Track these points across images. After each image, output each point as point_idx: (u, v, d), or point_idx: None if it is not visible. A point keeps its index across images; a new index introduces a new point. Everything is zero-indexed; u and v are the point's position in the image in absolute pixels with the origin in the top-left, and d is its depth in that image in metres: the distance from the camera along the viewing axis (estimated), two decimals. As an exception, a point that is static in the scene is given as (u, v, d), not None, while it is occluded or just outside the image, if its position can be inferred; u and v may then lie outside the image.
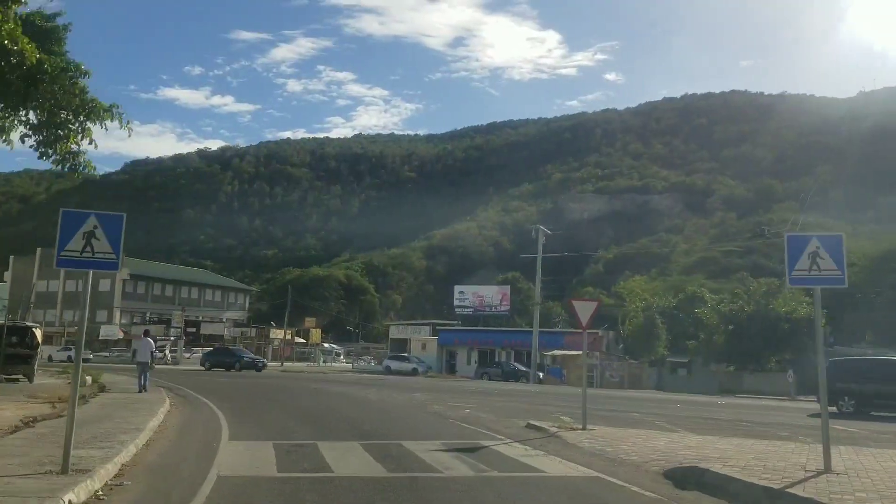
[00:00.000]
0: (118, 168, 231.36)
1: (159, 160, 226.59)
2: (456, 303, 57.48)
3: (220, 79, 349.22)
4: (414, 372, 51.06)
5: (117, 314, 75.93)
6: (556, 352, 46.09)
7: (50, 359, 59.45)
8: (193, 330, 72.92)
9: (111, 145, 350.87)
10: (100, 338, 67.04)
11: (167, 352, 56.55)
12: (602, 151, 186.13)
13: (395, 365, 52.81)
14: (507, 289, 57.43)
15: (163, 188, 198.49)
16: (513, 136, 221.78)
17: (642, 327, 49.46)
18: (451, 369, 54.59)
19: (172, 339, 60.69)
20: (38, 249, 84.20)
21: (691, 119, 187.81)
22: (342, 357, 76.88)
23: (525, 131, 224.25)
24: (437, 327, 56.89)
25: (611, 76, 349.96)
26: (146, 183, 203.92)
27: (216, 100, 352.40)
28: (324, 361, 69.84)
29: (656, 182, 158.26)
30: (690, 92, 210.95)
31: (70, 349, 59.98)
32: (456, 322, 59.54)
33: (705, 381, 42.03)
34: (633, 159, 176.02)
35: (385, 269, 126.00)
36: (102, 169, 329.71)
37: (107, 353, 61.05)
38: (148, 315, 76.40)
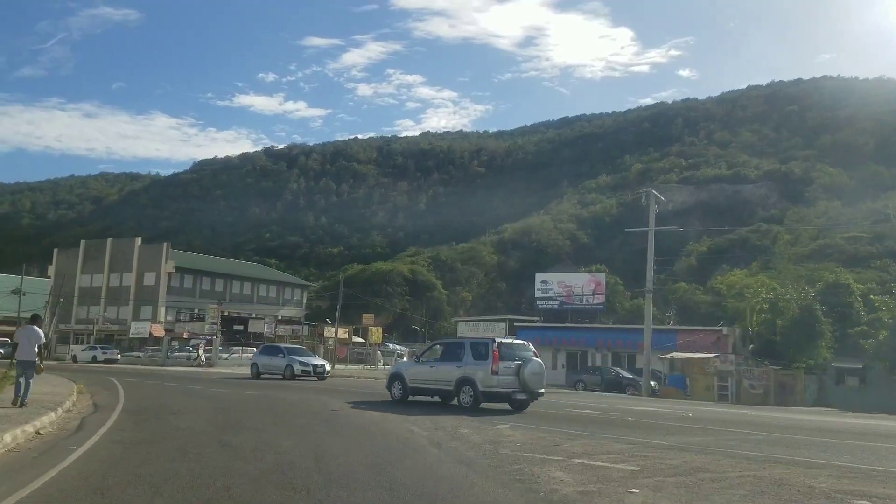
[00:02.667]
0: (186, 168, 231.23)
1: (226, 159, 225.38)
2: (538, 294, 47.78)
3: (292, 84, 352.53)
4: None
5: (162, 310, 69.15)
6: (677, 354, 35.91)
7: (74, 359, 52.90)
8: (241, 328, 65.60)
9: (189, 152, 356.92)
10: (131, 335, 60.18)
11: (200, 352, 48.87)
12: (685, 141, 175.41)
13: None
14: (602, 276, 47.31)
15: (229, 186, 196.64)
16: (587, 128, 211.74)
17: (793, 323, 38.47)
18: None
19: (207, 338, 53.05)
20: (82, 242, 78.73)
21: (780, 106, 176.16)
22: (405, 358, 68.01)
23: (600, 123, 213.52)
24: (515, 324, 47.34)
25: (685, 72, 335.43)
26: (213, 182, 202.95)
27: (289, 105, 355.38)
28: (384, 364, 61.05)
29: (748, 171, 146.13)
30: (777, 79, 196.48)
31: (96, 349, 53.13)
32: (537, 318, 49.94)
33: (888, 395, 31.25)
34: (719, 148, 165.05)
35: (453, 264, 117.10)
36: (171, 169, 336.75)
37: (138, 354, 53.96)
38: (197, 311, 69.29)
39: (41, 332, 14.27)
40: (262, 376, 32.00)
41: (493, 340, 17.69)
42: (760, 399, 31.24)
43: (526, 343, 19.21)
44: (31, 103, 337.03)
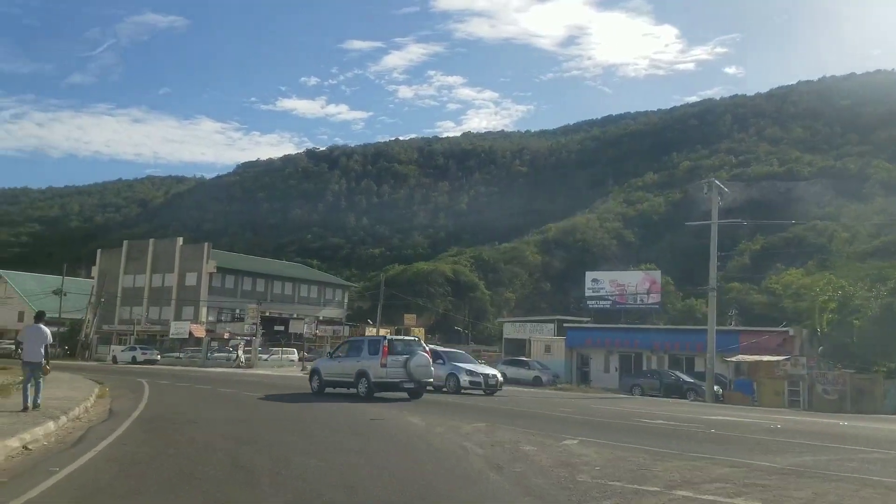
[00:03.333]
0: (230, 171, 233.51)
1: (269, 161, 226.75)
2: (588, 293, 45.42)
3: (334, 88, 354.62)
4: (536, 381, 39.68)
5: (203, 310, 68.50)
6: (743, 357, 33.33)
7: (114, 359, 52.28)
8: (282, 328, 64.58)
9: (233, 156, 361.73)
10: (171, 336, 59.44)
11: (240, 352, 47.69)
12: (734, 138, 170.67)
13: (511, 372, 41.31)
14: (657, 275, 44.67)
15: (272, 188, 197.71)
16: (632, 125, 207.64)
17: (871, 323, 35.47)
18: (584, 378, 42.74)
19: (246, 338, 51.93)
20: (125, 242, 78.70)
21: (833, 101, 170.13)
22: (448, 361, 66.28)
23: (645, 121, 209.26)
24: (564, 325, 45.09)
25: (731, 70, 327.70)
26: (256, 184, 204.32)
27: (331, 108, 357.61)
28: (426, 366, 59.46)
29: (800, 168, 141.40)
30: (829, 74, 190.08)
31: (135, 349, 52.40)
32: (587, 318, 47.62)
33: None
34: (770, 145, 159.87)
35: (496, 264, 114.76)
36: (215, 171, 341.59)
37: (178, 354, 53.09)
38: (238, 311, 68.45)
39: (47, 331, 13.17)
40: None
41: (385, 338, 20.97)
42: (836, 406, 28.57)
43: (417, 339, 23.41)
44: (80, 109, 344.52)
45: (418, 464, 8.74)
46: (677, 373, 36.18)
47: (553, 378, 40.23)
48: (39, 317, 14.21)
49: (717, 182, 34.36)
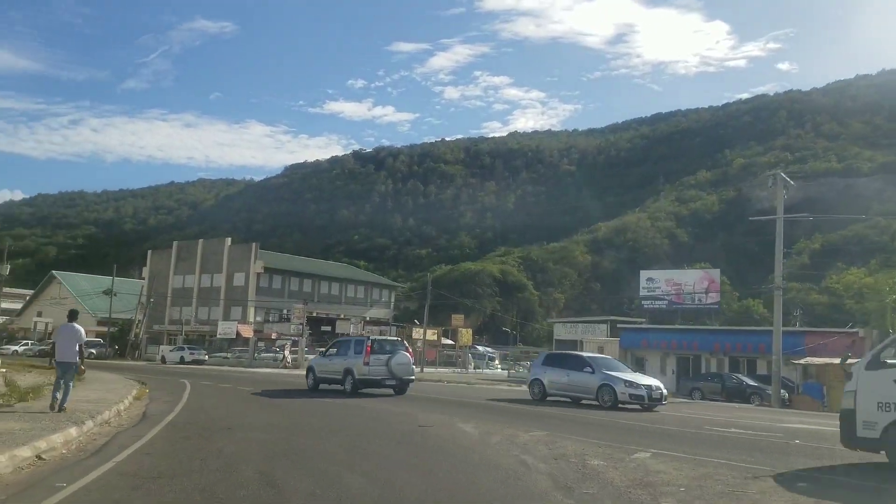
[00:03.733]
0: (278, 173, 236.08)
1: (316, 163, 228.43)
2: (643, 293, 43.60)
3: (381, 90, 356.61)
4: (589, 383, 38.03)
5: (251, 310, 68.55)
6: (812, 360, 31.27)
7: (163, 359, 52.42)
8: (328, 329, 64.11)
9: (282, 158, 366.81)
10: (218, 336, 59.43)
11: (286, 353, 47.20)
12: (790, 134, 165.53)
13: (563, 374, 40.02)
14: (716, 273, 42.60)
15: (319, 190, 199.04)
16: (683, 123, 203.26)
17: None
18: (639, 380, 41.00)
19: (293, 338, 51.47)
20: (174, 243, 79.40)
21: (893, 95, 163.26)
22: (496, 362, 64.90)
23: (696, 118, 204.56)
24: (618, 325, 43.38)
25: (784, 66, 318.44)
26: (304, 185, 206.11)
27: (377, 110, 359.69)
28: (475, 367, 58.09)
29: (860, 163, 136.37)
30: (888, 67, 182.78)
31: (184, 349, 52.44)
32: (641, 319, 45.82)
33: None
34: (828, 140, 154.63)
35: (544, 264, 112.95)
36: (264, 174, 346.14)
37: (226, 355, 52.97)
38: (285, 312, 68.23)
39: (81, 330, 12.68)
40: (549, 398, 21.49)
41: (368, 338, 22.46)
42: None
43: (400, 340, 25.20)
44: (134, 115, 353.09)
45: (474, 483, 7.59)
46: (739, 376, 34.33)
47: (607, 381, 38.55)
48: (73, 315, 13.56)
49: (782, 175, 32.32)
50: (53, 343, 13.22)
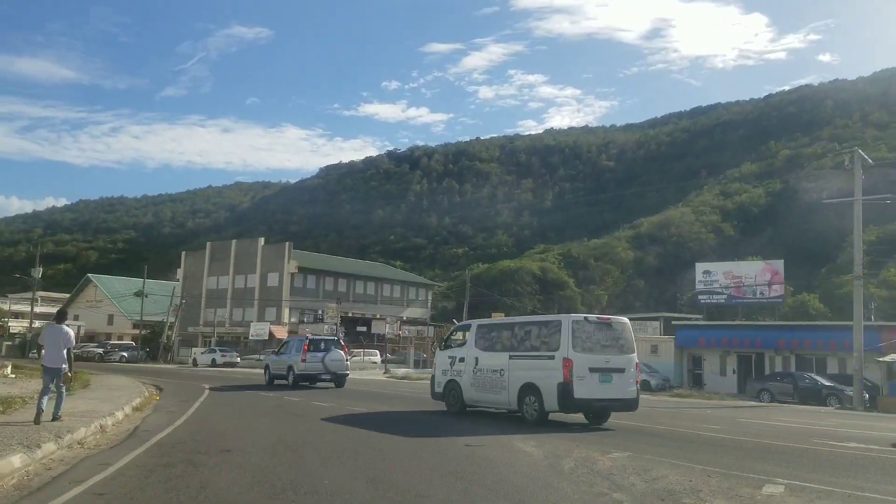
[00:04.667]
0: (313, 174, 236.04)
1: (351, 164, 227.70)
2: (699, 286, 40.41)
3: (415, 91, 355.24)
4: (645, 386, 34.78)
5: (286, 311, 66.84)
6: (900, 357, 27.97)
7: (195, 362, 50.76)
8: (364, 329, 62.03)
9: (318, 161, 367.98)
10: (251, 337, 57.67)
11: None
12: (836, 124, 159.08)
13: (615, 375, 37.18)
14: (780, 264, 39.16)
15: (354, 190, 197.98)
16: (724, 115, 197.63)
17: None
18: (696, 381, 37.95)
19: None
20: (208, 244, 78.18)
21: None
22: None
23: (738, 110, 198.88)
24: (673, 322, 40.36)
25: (825, 57, 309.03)
26: (339, 186, 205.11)
27: (412, 112, 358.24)
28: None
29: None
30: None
31: (215, 351, 50.72)
32: (697, 315, 42.70)
33: None
34: (877, 129, 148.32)
35: (585, 260, 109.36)
36: (299, 177, 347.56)
37: (259, 356, 51.02)
38: (319, 312, 66.33)
39: (70, 332, 11.41)
40: None
41: (306, 338, 25.83)
42: None
43: (337, 339, 27.96)
44: (174, 121, 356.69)
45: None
46: (813, 375, 31.18)
47: (663, 382, 35.72)
48: (61, 316, 12.05)
49: (860, 153, 29.18)
50: (40, 346, 11.82)
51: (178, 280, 75.62)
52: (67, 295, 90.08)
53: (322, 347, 24.48)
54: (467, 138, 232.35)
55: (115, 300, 79.13)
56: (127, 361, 54.13)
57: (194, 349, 56.34)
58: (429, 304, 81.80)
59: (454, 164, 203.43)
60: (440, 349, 16.85)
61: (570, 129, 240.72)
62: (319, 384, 24.20)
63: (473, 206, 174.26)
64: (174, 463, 7.93)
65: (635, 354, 14.29)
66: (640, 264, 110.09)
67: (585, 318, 14.25)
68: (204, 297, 72.43)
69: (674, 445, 10.78)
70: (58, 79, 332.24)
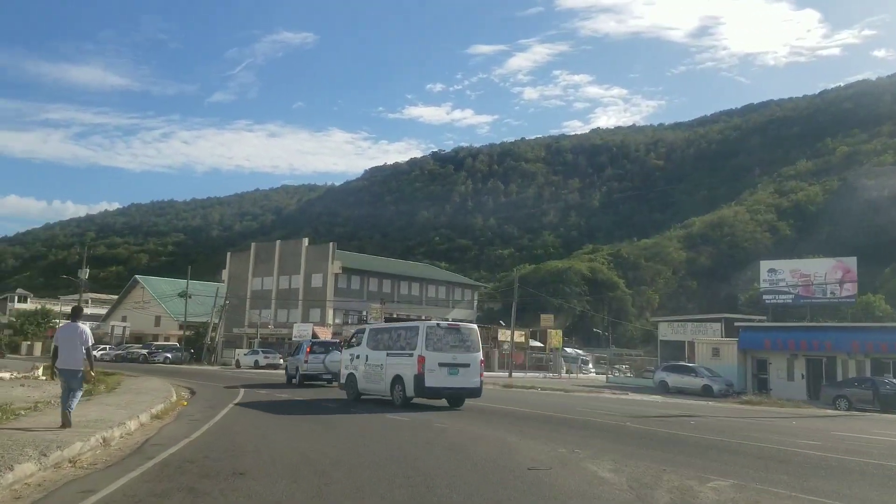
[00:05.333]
0: (358, 176, 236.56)
1: (395, 165, 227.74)
2: (764, 286, 37.77)
3: (459, 93, 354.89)
4: (706, 391, 33.05)
5: (330, 312, 65.82)
6: None
7: (237, 364, 49.97)
8: (408, 330, 60.46)
9: (363, 164, 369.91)
10: (293, 338, 56.64)
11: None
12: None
13: (674, 380, 35.09)
14: (852, 262, 36.31)
15: (398, 192, 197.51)
16: (778, 112, 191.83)
17: None
18: (761, 386, 35.49)
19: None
20: (253, 245, 77.72)
21: None
22: (590, 365, 59.85)
23: (792, 107, 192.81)
24: (736, 324, 37.92)
25: (880, 53, 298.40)
26: (383, 188, 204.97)
27: (456, 114, 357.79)
28: (567, 371, 53.28)
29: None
30: None
31: (258, 353, 49.85)
32: (761, 316, 40.19)
33: None
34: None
35: (636, 261, 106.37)
36: (344, 178, 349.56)
37: (300, 358, 49.98)
38: (364, 313, 65.21)
39: (87, 330, 10.51)
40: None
41: (309, 341, 29.95)
42: None
43: (337, 342, 29.09)
44: (222, 127, 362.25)
45: None
46: (895, 380, 28.62)
47: (726, 387, 33.41)
48: (75, 314, 11.04)
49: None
50: (55, 347, 10.43)
51: (223, 281, 75.36)
52: (116, 297, 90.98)
53: (323, 350, 27.17)
54: (512, 139, 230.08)
55: (161, 301, 79.35)
56: (171, 363, 53.69)
57: (238, 350, 55.60)
58: (474, 305, 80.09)
59: (499, 165, 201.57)
60: (345, 348, 21.06)
61: (618, 128, 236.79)
62: (317, 383, 26.58)
63: (519, 207, 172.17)
64: (171, 491, 6.42)
65: (480, 353, 17.52)
66: (692, 265, 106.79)
67: (437, 324, 17.85)
68: (249, 297, 71.94)
69: (779, 469, 8.92)
70: (109, 86, 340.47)
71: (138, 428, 10.91)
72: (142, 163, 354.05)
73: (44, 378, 21.03)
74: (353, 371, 19.12)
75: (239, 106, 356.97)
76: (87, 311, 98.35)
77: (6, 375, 21.12)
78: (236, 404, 16.18)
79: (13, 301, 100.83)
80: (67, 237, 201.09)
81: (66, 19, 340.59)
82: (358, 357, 19.16)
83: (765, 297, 38.18)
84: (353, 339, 20.51)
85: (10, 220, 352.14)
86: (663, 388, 34.86)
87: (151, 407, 13.03)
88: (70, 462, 7.80)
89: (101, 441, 9.03)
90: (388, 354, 17.82)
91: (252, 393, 20.76)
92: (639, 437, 12.19)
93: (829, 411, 26.10)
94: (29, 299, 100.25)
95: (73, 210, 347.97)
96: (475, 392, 17.16)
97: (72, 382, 10.02)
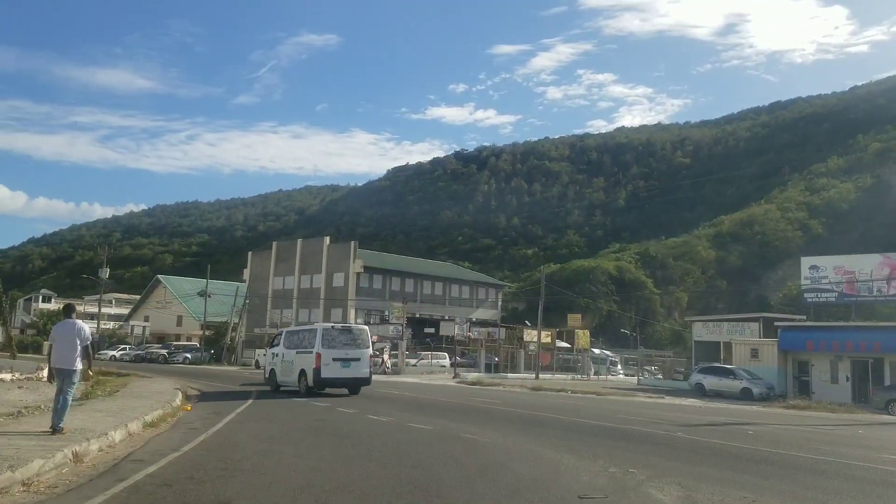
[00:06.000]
0: (381, 176, 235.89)
1: (418, 165, 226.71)
2: (805, 283, 35.88)
3: (482, 93, 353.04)
4: (745, 394, 31.28)
5: (351, 312, 64.59)
6: None
7: (257, 364, 48.84)
8: (432, 330, 59.25)
9: (386, 165, 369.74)
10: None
11: (385, 357, 42.42)
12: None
13: (711, 382, 33.31)
14: (902, 257, 34.39)
15: (421, 191, 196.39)
16: (807, 108, 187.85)
17: None
18: (803, 389, 33.53)
19: (394, 340, 46.73)
20: (274, 244, 76.81)
21: None
22: (619, 367, 57.98)
23: (822, 103, 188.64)
24: (776, 324, 36.00)
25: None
26: (406, 187, 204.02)
27: (479, 114, 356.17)
28: (596, 373, 51.50)
29: None
30: None
31: (277, 352, 48.57)
32: (799, 316, 38.22)
33: None
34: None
35: (664, 260, 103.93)
36: (366, 176, 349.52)
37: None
38: (386, 313, 63.94)
39: (84, 327, 10.01)
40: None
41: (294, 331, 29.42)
42: None
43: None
44: (247, 128, 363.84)
45: None
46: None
47: (767, 390, 31.58)
48: (69, 310, 10.34)
49: None
50: (50, 346, 9.98)
51: (244, 280, 74.53)
52: (139, 297, 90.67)
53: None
54: (535, 139, 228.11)
55: (183, 301, 78.75)
56: (190, 363, 52.79)
57: (257, 350, 54.51)
58: (499, 305, 78.48)
59: (523, 164, 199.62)
60: (268, 348, 25.35)
61: (643, 126, 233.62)
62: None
63: (543, 206, 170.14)
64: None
65: (369, 349, 21.58)
66: (721, 264, 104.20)
67: (332, 326, 22.44)
68: (270, 297, 71.02)
69: (868, 490, 7.33)
70: (136, 89, 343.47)
71: (124, 439, 9.58)
72: (168, 165, 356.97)
73: (45, 380, 19.90)
74: (274, 367, 23.15)
75: (263, 108, 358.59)
76: (111, 311, 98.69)
77: (7, 377, 20.05)
78: (244, 409, 14.82)
79: (37, 301, 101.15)
80: (93, 238, 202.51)
81: (95, 24, 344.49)
82: (276, 355, 23.15)
83: (806, 295, 36.21)
84: (275, 341, 24.42)
85: (39, 221, 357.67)
86: (699, 391, 33.09)
87: (147, 413, 11.72)
88: (24, 485, 6.45)
89: (72, 457, 7.69)
90: (296, 352, 21.63)
91: (264, 396, 19.44)
92: (697, 451, 10.62)
93: (886, 417, 24.25)
94: (53, 299, 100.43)
95: (100, 212, 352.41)
96: (366, 381, 20.90)
97: (66, 383, 9.45)
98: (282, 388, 21.93)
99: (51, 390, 16.34)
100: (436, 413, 15.09)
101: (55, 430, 9.09)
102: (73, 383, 9.70)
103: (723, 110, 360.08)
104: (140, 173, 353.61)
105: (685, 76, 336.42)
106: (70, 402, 9.60)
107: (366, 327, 22.93)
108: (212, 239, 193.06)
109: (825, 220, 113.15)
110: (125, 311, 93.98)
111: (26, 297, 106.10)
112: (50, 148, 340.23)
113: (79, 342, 9.59)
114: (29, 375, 20.98)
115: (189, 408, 14.36)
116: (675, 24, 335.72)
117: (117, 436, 9.37)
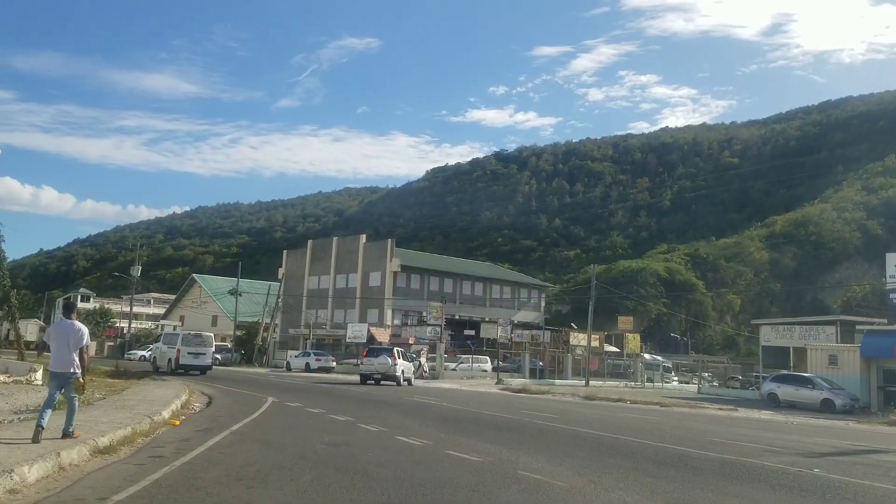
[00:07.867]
0: (419, 177, 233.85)
1: (457, 166, 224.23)
2: (890, 283, 32.18)
3: (522, 95, 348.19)
4: (826, 406, 27.76)
5: (388, 313, 62.05)
6: None
7: (288, 366, 46.51)
8: (472, 333, 56.38)
9: (425, 167, 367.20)
10: (347, 340, 52.96)
11: (423, 360, 39.59)
12: None
13: (786, 392, 29.79)
14: None
15: (460, 192, 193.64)
16: (860, 106, 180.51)
17: None
18: (889, 399, 29.79)
19: (432, 342, 43.88)
20: (309, 242, 74.80)
21: None
22: (672, 373, 54.27)
23: (877, 101, 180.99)
24: (858, 328, 32.30)
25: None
26: (445, 188, 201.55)
27: (519, 116, 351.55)
28: (650, 380, 47.89)
29: None
30: None
31: (309, 355, 46.22)
32: (880, 320, 34.41)
33: None
34: None
35: (715, 261, 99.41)
36: (405, 179, 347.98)
37: (357, 361, 46.18)
38: (424, 314, 61.11)
39: (82, 329, 9.22)
40: None
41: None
42: None
43: (389, 348, 35.72)
44: (288, 132, 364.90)
45: None
46: None
47: (851, 402, 28.03)
48: (69, 309, 9.68)
49: None
50: (46, 345, 9.50)
51: (278, 280, 72.55)
52: (174, 296, 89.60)
53: (375, 354, 33.18)
54: (577, 140, 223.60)
55: (217, 300, 77.17)
56: (220, 364, 50.70)
57: (290, 352, 52.19)
58: (541, 306, 75.21)
59: (564, 164, 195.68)
60: (153, 343, 40.03)
61: (688, 126, 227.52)
62: (384, 382, 31.69)
63: (585, 207, 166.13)
64: None
65: (212, 347, 35.45)
66: (775, 266, 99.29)
67: (189, 332, 36.97)
68: (305, 297, 68.84)
69: None
70: (180, 93, 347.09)
71: (46, 476, 6.71)
72: (210, 167, 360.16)
73: (39, 382, 17.53)
74: (156, 355, 36.03)
75: (304, 111, 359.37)
76: (149, 310, 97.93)
77: (-3, 378, 17.75)
78: (245, 424, 12.08)
79: (76, 300, 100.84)
80: (136, 239, 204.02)
81: (141, 29, 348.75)
82: (158, 348, 36.33)
83: (892, 295, 32.43)
84: (159, 339, 38.64)
85: (87, 223, 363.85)
86: (773, 402, 29.63)
87: (108, 433, 9.04)
88: None
89: (43, 475, 4.96)
90: (168, 347, 34.34)
91: (279, 405, 16.73)
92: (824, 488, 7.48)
93: None
94: (91, 298, 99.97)
95: (145, 213, 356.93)
96: (208, 368, 33.24)
97: (65, 386, 9.00)
98: (159, 370, 32.86)
99: (30, 396, 13.86)
100: (481, 433, 12.20)
101: (66, 434, 8.69)
102: (73, 387, 9.10)
103: (769, 111, 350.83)
104: (184, 176, 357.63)
105: (730, 77, 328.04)
106: (77, 405, 9.14)
107: (210, 335, 36.81)
108: (251, 240, 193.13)
109: (884, 221, 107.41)
110: (162, 310, 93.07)
111: (65, 297, 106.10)
112: (97, 151, 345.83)
113: (73, 344, 8.92)
114: (18, 378, 18.63)
115: (177, 422, 11.67)
116: (718, 25, 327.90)
117: (33, 473, 6.54)
